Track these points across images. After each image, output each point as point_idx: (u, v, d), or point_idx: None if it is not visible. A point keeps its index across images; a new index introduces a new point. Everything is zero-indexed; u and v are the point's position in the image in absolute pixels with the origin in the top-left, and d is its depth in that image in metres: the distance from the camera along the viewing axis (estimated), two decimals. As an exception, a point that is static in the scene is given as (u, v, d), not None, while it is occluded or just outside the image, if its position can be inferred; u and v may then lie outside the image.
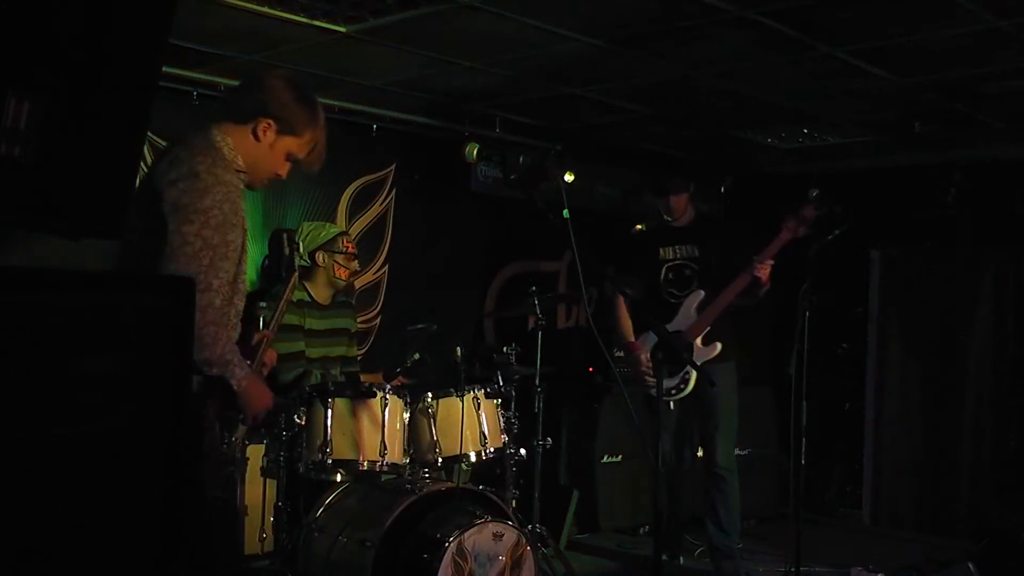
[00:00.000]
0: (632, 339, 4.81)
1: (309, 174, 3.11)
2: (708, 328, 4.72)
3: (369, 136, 5.58)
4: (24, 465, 1.44)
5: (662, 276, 4.88)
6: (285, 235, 4.18)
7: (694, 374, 4.67)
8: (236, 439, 3.24)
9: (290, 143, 2.90)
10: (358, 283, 5.54)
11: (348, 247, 4.77)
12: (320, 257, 4.72)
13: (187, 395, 1.67)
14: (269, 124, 2.84)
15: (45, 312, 1.47)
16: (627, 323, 4.85)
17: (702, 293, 4.79)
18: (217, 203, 2.66)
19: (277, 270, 5.03)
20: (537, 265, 6.54)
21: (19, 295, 1.44)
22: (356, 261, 4.87)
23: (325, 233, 4.76)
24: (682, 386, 4.75)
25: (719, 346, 4.76)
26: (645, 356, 4.72)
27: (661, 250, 4.91)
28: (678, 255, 4.91)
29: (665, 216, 4.93)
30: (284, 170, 2.96)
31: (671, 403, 4.77)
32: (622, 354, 5.14)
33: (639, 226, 5.12)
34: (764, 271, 4.57)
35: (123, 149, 1.61)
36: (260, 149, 2.86)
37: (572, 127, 5.93)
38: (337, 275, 4.74)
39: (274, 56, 4.44)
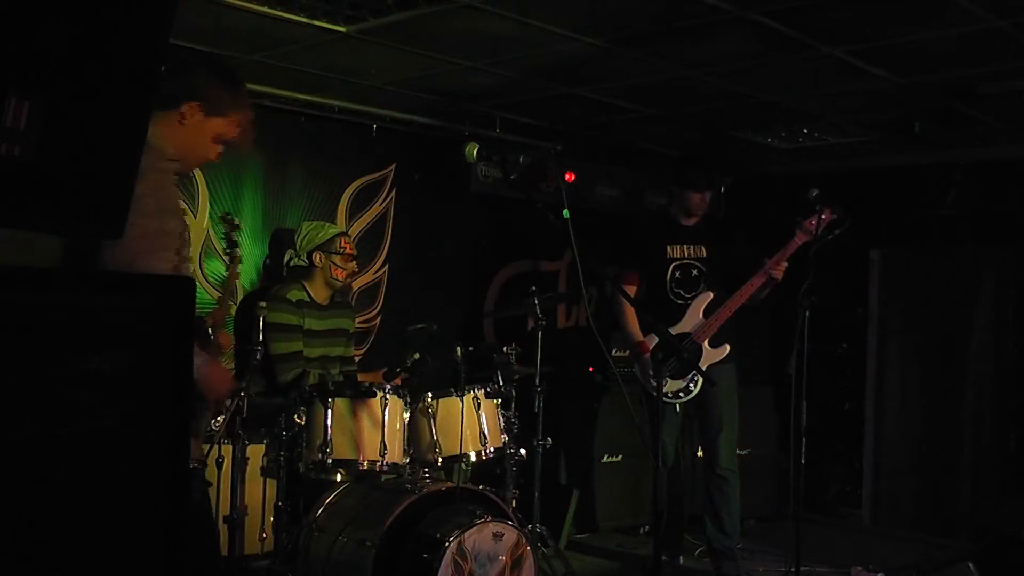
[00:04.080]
0: (642, 338, 4.81)
1: (240, 154, 3.06)
2: (716, 330, 4.73)
3: (369, 136, 5.58)
4: (24, 465, 1.44)
5: (668, 275, 4.87)
6: (220, 215, 4.15)
7: (700, 376, 4.68)
8: (199, 437, 3.17)
9: (218, 124, 2.88)
10: (358, 283, 5.55)
11: (346, 247, 4.77)
12: (317, 257, 4.72)
13: (187, 395, 1.67)
14: (195, 107, 2.82)
15: (45, 312, 1.47)
16: (634, 322, 4.83)
17: (710, 295, 4.79)
18: (148, 191, 2.57)
19: (278, 270, 5.05)
20: (537, 265, 6.54)
21: (19, 295, 1.44)
22: (354, 262, 4.86)
23: (323, 233, 4.76)
24: (690, 387, 4.75)
25: (727, 347, 4.77)
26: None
27: (669, 248, 4.89)
28: (686, 254, 4.89)
29: (682, 213, 4.90)
30: (215, 153, 2.93)
31: (677, 405, 4.77)
32: (626, 353, 5.13)
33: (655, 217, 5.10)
34: (779, 273, 4.61)
35: (123, 149, 1.61)
36: (188, 133, 2.83)
37: (572, 127, 5.93)
38: (334, 275, 4.74)
39: (274, 56, 4.44)
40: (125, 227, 1.62)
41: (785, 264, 4.63)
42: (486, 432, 4.29)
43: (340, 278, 4.78)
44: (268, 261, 5.16)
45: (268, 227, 5.20)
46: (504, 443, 4.38)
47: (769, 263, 4.62)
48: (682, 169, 4.92)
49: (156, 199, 2.66)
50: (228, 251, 3.52)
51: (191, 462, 2.98)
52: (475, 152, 3.38)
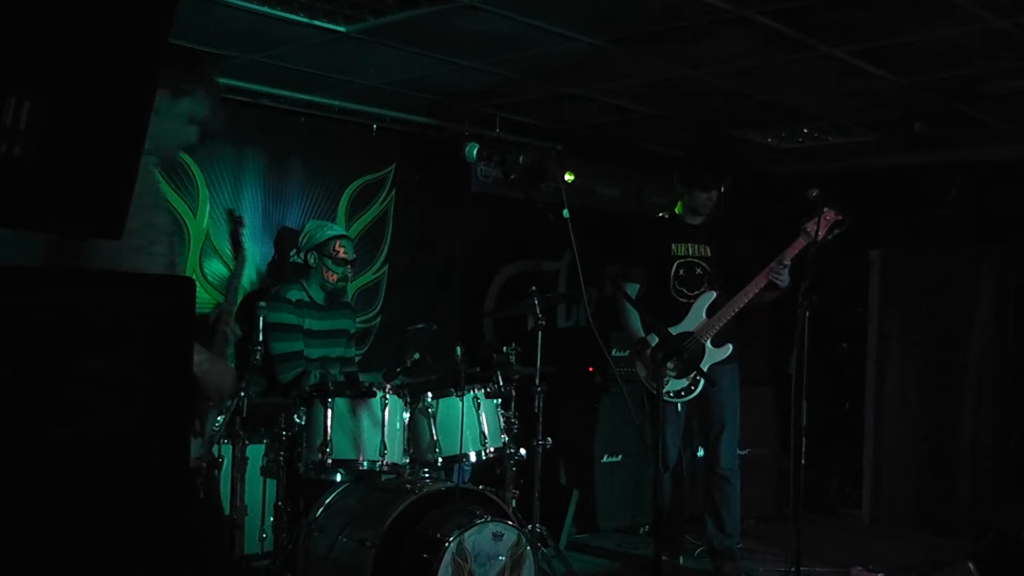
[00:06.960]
0: (643, 335, 4.80)
1: (213, 132, 2.95)
2: (718, 330, 4.73)
3: (369, 136, 5.58)
4: (24, 465, 1.44)
5: (672, 272, 4.86)
6: (226, 212, 4.06)
7: (701, 376, 4.68)
8: (205, 436, 3.14)
9: (188, 105, 2.80)
10: (359, 283, 5.54)
11: (339, 251, 4.72)
12: (311, 258, 4.70)
13: (188, 395, 1.67)
14: (162, 93, 2.73)
15: (45, 312, 1.47)
16: (635, 322, 4.82)
17: (714, 294, 4.79)
18: None
19: (280, 270, 5.05)
20: (537, 265, 6.54)
21: (20, 295, 1.44)
22: (348, 267, 4.81)
23: (321, 234, 4.74)
24: (692, 387, 4.75)
25: (730, 347, 4.76)
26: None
27: (674, 245, 4.89)
28: (690, 253, 4.88)
29: (689, 212, 4.90)
30: (193, 136, 2.87)
31: (678, 405, 4.77)
32: (626, 353, 5.12)
33: (662, 214, 5.10)
34: (784, 281, 4.60)
35: (123, 149, 1.61)
36: (161, 121, 2.73)
37: (572, 127, 5.93)
38: (325, 278, 4.72)
39: (274, 56, 4.44)
40: (124, 227, 1.62)
41: (787, 267, 4.63)
42: (486, 432, 4.29)
43: (332, 281, 4.74)
44: (276, 257, 5.16)
45: (268, 227, 5.20)
46: (504, 443, 4.38)
47: (771, 265, 4.62)
48: (690, 168, 4.91)
49: (138, 194, 2.59)
50: (234, 250, 3.43)
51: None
52: (475, 152, 3.38)
